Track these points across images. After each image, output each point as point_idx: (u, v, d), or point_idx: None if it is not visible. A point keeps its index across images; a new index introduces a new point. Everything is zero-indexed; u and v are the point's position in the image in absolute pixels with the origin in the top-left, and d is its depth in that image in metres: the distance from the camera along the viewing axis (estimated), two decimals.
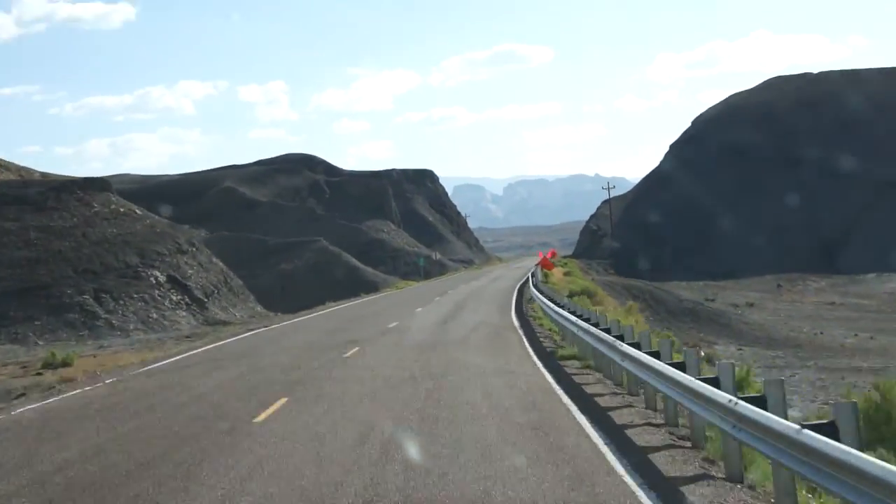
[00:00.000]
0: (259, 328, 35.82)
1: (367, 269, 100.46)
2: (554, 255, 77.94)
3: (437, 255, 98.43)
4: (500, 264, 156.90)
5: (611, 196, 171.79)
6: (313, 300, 64.72)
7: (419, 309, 41.39)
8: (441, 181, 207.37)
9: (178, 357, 27.17)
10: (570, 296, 38.68)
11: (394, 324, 34.61)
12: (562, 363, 22.05)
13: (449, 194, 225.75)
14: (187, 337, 33.11)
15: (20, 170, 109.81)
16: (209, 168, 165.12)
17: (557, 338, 27.38)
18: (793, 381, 44.87)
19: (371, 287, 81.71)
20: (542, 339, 28.02)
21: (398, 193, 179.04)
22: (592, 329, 19.56)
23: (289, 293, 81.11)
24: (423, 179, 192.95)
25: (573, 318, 23.20)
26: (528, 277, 72.35)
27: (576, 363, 21.83)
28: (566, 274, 70.05)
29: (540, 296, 35.59)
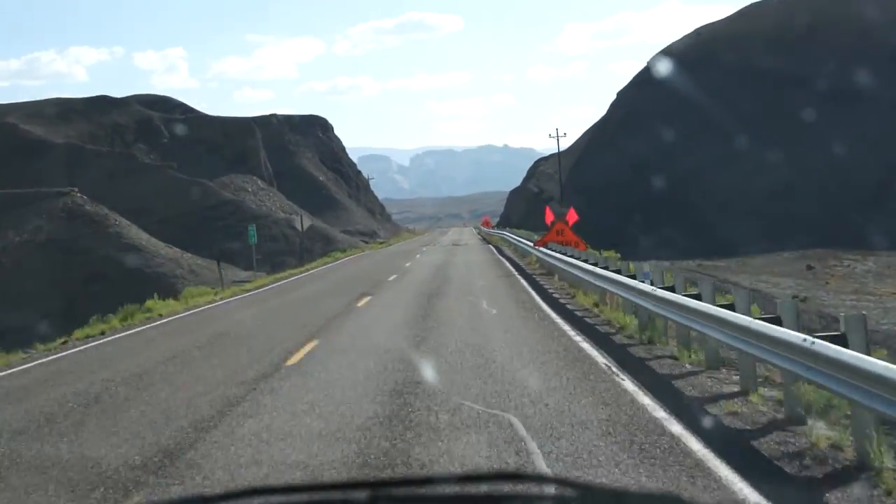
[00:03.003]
0: None
1: (172, 250, 56.71)
2: (574, 219, 36.99)
3: (306, 223, 54.45)
4: (414, 239, 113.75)
5: (560, 148, 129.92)
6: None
7: None
8: (346, 152, 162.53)
9: None
10: None
11: None
12: None
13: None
14: None
15: None
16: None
17: None
18: None
19: (156, 287, 38.54)
20: None
21: (278, 145, 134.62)
22: None
23: None
24: (313, 129, 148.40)
25: None
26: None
27: None
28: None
29: None
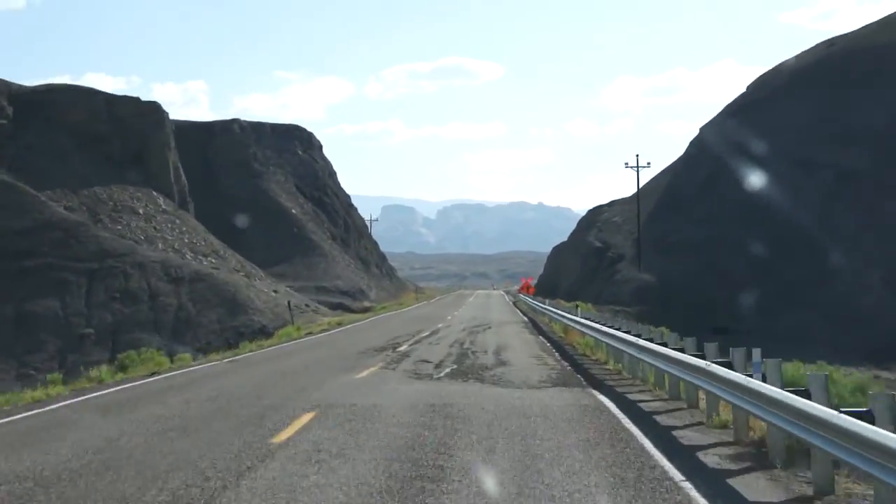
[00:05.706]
0: None
1: None
2: None
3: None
4: (411, 308, 71.49)
5: (639, 186, 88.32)
6: None
7: None
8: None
9: None
10: None
11: None
12: None
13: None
14: None
15: None
16: None
17: None
18: None
19: None
20: None
21: (239, 160, 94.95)
22: None
23: None
24: (288, 142, 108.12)
25: None
26: None
27: None
28: None
29: None
